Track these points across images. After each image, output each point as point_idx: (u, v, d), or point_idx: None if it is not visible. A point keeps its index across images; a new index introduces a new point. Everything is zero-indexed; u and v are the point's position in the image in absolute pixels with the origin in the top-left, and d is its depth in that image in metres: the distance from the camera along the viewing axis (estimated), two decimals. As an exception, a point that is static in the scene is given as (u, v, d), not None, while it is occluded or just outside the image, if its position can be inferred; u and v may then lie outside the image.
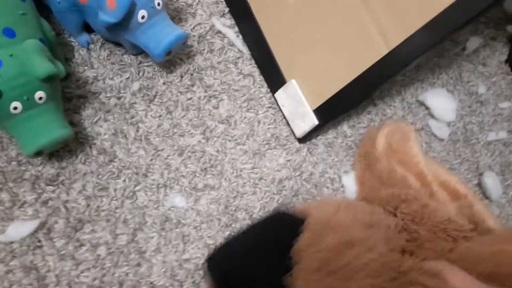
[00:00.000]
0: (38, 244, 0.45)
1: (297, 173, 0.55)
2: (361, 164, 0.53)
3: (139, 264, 0.47)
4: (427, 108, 0.63)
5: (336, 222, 0.37)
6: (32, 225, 0.45)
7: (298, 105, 0.55)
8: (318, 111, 0.55)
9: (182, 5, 0.58)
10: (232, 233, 0.43)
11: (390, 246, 0.36)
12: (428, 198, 0.43)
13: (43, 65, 0.42)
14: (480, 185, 0.61)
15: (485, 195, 0.61)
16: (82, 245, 0.46)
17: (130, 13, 0.45)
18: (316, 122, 0.54)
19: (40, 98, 0.43)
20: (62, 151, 0.49)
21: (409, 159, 0.50)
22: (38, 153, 0.44)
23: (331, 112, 0.55)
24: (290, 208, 0.41)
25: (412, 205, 0.42)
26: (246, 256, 0.37)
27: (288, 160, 0.56)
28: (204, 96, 0.56)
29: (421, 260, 0.37)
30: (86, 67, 0.53)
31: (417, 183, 0.46)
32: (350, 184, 0.55)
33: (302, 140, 0.57)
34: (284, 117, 0.57)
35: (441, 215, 0.41)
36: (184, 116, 0.54)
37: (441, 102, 0.62)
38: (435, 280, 0.33)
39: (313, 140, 0.58)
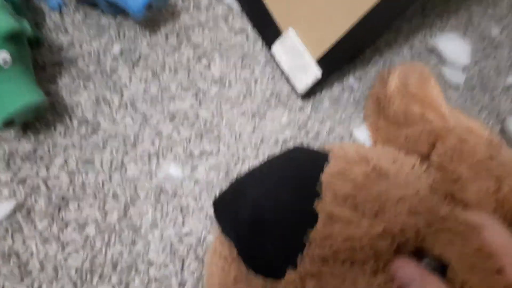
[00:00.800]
0: (17, 227, 0.40)
1: (303, 133, 0.50)
2: (373, 109, 0.48)
3: (134, 242, 0.41)
4: (438, 55, 0.57)
5: (364, 153, 0.32)
6: (8, 206, 0.40)
7: (297, 57, 0.49)
8: (319, 63, 0.49)
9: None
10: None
11: (427, 186, 0.31)
12: (465, 132, 0.37)
13: (4, 21, 0.37)
14: (503, 131, 0.55)
15: (509, 143, 0.55)
16: (67, 225, 0.41)
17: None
18: (318, 73, 0.49)
19: (5, 62, 0.37)
20: (38, 123, 0.44)
21: (428, 103, 0.44)
22: (8, 124, 0.39)
23: (335, 62, 0.50)
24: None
25: (449, 140, 0.36)
26: (265, 190, 0.31)
27: (292, 119, 0.50)
28: (193, 57, 0.51)
29: (464, 206, 0.32)
30: (59, 33, 0.48)
31: (438, 120, 0.41)
32: (363, 136, 0.50)
33: (305, 96, 0.51)
34: (284, 73, 0.52)
35: (483, 152, 0.36)
36: (172, 79, 0.49)
37: (453, 45, 0.56)
38: (474, 234, 0.28)
39: (318, 96, 0.52)
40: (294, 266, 0.28)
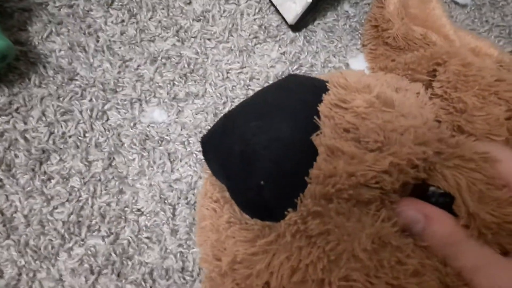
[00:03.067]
0: (-1, 183, 0.38)
1: (295, 67, 0.46)
2: (371, 34, 0.44)
3: (121, 191, 0.40)
4: (442, -28, 0.52)
5: (366, 80, 0.28)
6: (-13, 162, 0.38)
7: (284, -17, 0.45)
8: (310, -13, 0.45)
9: None
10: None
11: (434, 115, 0.28)
12: (470, 54, 0.34)
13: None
14: (516, 51, 0.51)
15: (523, 64, 0.51)
16: (50, 178, 0.39)
17: None
18: (309, -1, 0.45)
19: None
20: (11, 74, 0.41)
21: (431, 24, 0.40)
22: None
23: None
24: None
25: (451, 65, 0.32)
26: (257, 122, 0.27)
27: (283, 53, 0.47)
28: (172, -8, 0.47)
29: (475, 139, 0.28)
30: (24, -25, 0.44)
31: (442, 41, 0.37)
32: (360, 67, 0.46)
33: (296, 27, 0.48)
34: (272, 3, 0.48)
35: (490, 74, 0.32)
36: (151, 18, 0.46)
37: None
38: (487, 163, 0.25)
39: (310, 26, 0.48)
40: (293, 206, 0.26)
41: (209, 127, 0.41)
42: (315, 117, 0.26)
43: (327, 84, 0.28)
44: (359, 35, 0.49)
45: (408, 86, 0.32)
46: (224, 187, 0.31)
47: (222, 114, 0.41)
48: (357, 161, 0.24)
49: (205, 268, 0.30)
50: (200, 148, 0.40)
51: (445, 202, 0.25)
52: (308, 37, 0.48)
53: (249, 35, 0.47)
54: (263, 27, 0.47)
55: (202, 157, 0.41)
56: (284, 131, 0.26)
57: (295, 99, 0.28)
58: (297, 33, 0.48)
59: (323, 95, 0.27)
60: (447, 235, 0.23)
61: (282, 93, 0.29)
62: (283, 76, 0.32)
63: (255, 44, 0.46)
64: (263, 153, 0.26)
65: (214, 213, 0.31)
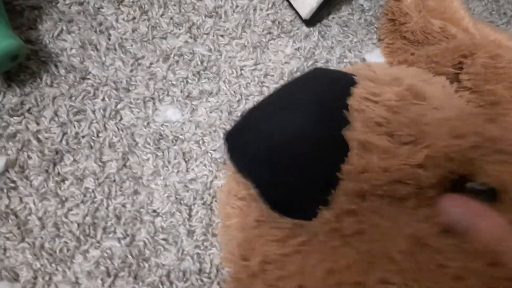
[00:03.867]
0: (12, 185, 0.37)
1: (310, 62, 0.45)
2: (388, 28, 0.43)
3: (136, 192, 0.39)
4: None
5: (394, 74, 0.27)
6: (0, 163, 0.37)
7: (299, -23, 0.44)
8: (324, -19, 0.44)
9: None
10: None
11: (466, 107, 0.27)
12: (495, 47, 0.32)
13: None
14: (535, 44, 0.50)
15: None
16: (64, 179, 0.38)
17: None
18: (324, -7, 0.43)
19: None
20: (22, 74, 0.40)
21: (449, 16, 0.39)
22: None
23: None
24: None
25: (479, 57, 0.31)
26: (283, 118, 0.26)
27: (297, 49, 0.46)
28: (184, -13, 0.46)
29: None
30: (34, -28, 0.43)
31: (462, 34, 0.36)
32: (376, 62, 0.45)
33: (311, 22, 0.46)
34: (285, -2, 0.47)
35: None
36: (163, 14, 0.45)
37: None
38: None
39: (324, 21, 0.47)
40: (325, 204, 0.25)
41: (224, 127, 0.41)
42: (344, 111, 0.25)
43: (354, 77, 0.27)
44: (375, 29, 0.48)
45: (432, 80, 0.31)
46: (249, 185, 0.29)
47: (236, 112, 0.40)
48: (391, 155, 0.23)
49: (229, 268, 0.29)
50: (215, 147, 0.40)
51: (484, 198, 0.24)
52: (322, 32, 0.47)
53: (263, 30, 0.46)
54: (276, 22, 0.46)
55: (217, 156, 0.40)
56: (311, 126, 0.25)
57: (322, 94, 0.27)
58: (311, 28, 0.47)
59: (351, 88, 0.26)
60: (497, 232, 0.22)
61: (308, 86, 0.28)
62: (308, 70, 0.31)
63: (268, 40, 0.45)
64: (290, 151, 0.25)
65: (241, 211, 0.30)
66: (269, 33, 0.46)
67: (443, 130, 0.23)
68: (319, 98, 0.26)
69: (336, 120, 0.25)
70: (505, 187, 0.23)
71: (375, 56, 0.46)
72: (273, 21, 0.46)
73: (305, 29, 0.47)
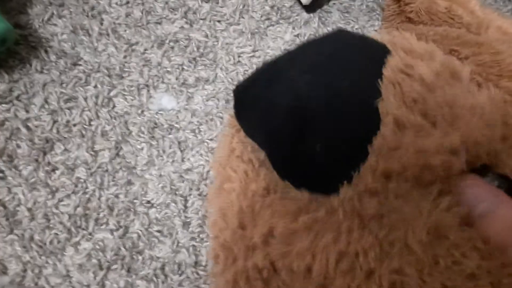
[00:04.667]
0: (0, 175, 0.36)
1: (310, 49, 0.44)
2: (393, 9, 0.41)
3: (130, 182, 0.38)
4: None
5: (426, 48, 0.25)
6: (-13, 153, 0.36)
7: (298, -40, 0.43)
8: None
9: None
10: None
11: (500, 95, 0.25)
12: (498, 44, 0.31)
13: None
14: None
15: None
16: (55, 169, 0.37)
17: None
18: (325, -22, 0.42)
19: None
20: (11, 60, 0.39)
21: (456, -1, 0.37)
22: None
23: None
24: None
25: (481, 53, 0.30)
26: (309, 72, 0.23)
27: (297, 35, 0.44)
28: (179, -29, 0.44)
29: None
30: (23, -46, 0.42)
31: (469, 16, 0.34)
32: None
33: (311, 8, 0.45)
34: (284, -17, 0.45)
35: None
36: (157, -2, 0.43)
37: None
38: None
39: (325, 7, 0.46)
40: (348, 179, 0.22)
41: (221, 116, 0.39)
42: (379, 81, 0.23)
43: (387, 46, 0.25)
44: (377, 15, 0.46)
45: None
46: (257, 147, 0.26)
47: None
48: (426, 135, 0.22)
49: (217, 234, 0.26)
50: (211, 137, 0.38)
51: (503, 184, 0.23)
52: (323, 18, 0.45)
53: (261, 16, 0.44)
54: (275, 8, 0.45)
55: (213, 145, 0.39)
56: (346, 89, 0.22)
57: (356, 55, 0.24)
58: (311, 14, 0.45)
59: (387, 57, 0.24)
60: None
61: (337, 45, 0.25)
62: (331, 31, 0.27)
63: (267, 26, 0.44)
64: (322, 111, 0.22)
65: (245, 176, 0.26)
66: (268, 19, 0.44)
67: (476, 116, 0.22)
68: (354, 60, 0.24)
69: (371, 87, 0.22)
70: None
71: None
72: (272, 7, 0.45)
73: (305, 15, 0.45)
